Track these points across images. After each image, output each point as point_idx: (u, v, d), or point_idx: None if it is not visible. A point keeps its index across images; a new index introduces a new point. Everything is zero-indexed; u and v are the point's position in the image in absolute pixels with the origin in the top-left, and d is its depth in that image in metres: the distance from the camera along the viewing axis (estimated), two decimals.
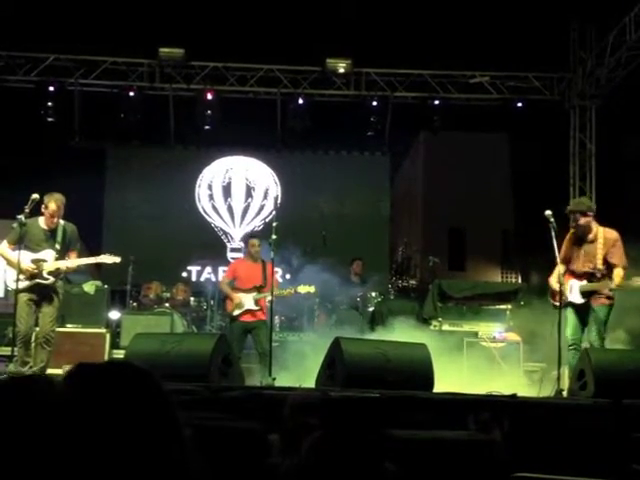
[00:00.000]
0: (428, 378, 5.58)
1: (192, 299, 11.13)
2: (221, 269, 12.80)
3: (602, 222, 6.86)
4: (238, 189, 14.06)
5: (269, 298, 7.57)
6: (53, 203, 6.71)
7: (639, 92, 10.55)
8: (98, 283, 9.60)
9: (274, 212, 10.47)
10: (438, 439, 3.86)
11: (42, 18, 10.50)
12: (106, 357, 8.53)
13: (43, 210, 6.77)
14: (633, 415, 4.55)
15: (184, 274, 12.91)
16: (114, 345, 9.10)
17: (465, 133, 13.89)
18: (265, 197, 14.02)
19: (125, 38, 11.11)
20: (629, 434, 4.14)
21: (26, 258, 6.69)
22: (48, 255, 6.76)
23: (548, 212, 6.50)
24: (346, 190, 13.92)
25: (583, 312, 6.59)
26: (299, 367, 6.72)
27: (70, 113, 12.04)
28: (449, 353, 7.03)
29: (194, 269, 13.35)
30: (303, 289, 8.12)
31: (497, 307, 8.70)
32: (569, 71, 12.02)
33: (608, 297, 6.50)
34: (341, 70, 11.85)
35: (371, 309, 10.33)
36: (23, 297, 6.67)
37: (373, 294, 10.69)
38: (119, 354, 8.58)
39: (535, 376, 7.69)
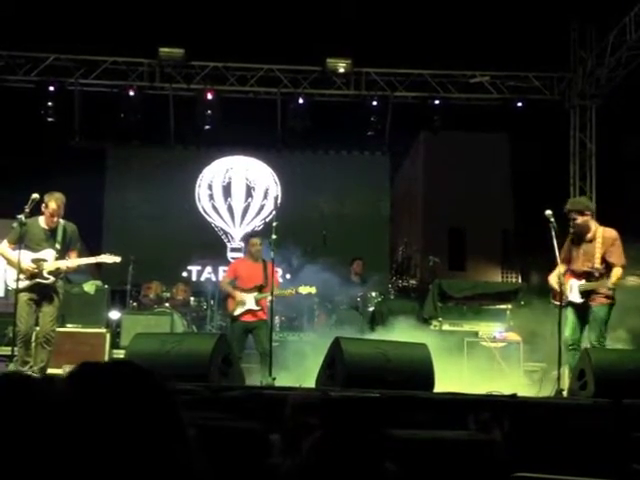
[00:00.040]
0: (428, 378, 5.58)
1: (192, 299, 11.13)
2: (221, 269, 12.80)
3: (602, 222, 6.85)
4: (238, 189, 14.06)
5: (270, 298, 7.57)
6: (53, 202, 6.72)
7: (639, 92, 10.55)
8: (98, 283, 9.60)
9: (274, 212, 10.47)
10: (438, 439, 3.86)
11: (42, 18, 10.50)
12: (106, 357, 8.52)
13: (43, 209, 6.77)
14: (633, 415, 4.55)
15: (184, 274, 12.92)
16: (114, 345, 9.10)
17: (465, 133, 13.88)
18: (265, 197, 14.02)
19: (125, 38, 11.11)
20: (629, 434, 4.14)
21: (26, 258, 6.69)
22: (48, 255, 6.77)
23: (548, 212, 6.50)
24: (346, 190, 13.92)
25: (583, 312, 6.58)
26: (299, 367, 6.72)
27: (70, 113, 12.05)
28: (449, 353, 7.03)
29: (194, 269, 13.36)
30: (304, 290, 8.12)
31: (497, 307, 8.70)
32: (569, 71, 12.02)
33: (607, 296, 6.48)
34: (341, 70, 11.85)
35: (371, 309, 10.32)
36: (23, 297, 6.68)
37: (373, 294, 10.69)
38: (119, 354, 8.59)
39: (535, 376, 7.69)
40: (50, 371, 6.95)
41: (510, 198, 13.98)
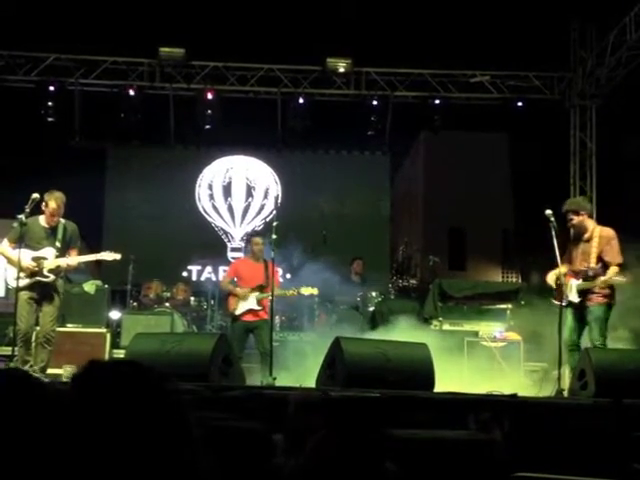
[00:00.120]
0: (429, 378, 5.58)
1: (192, 299, 11.13)
2: (221, 269, 12.80)
3: (602, 221, 6.86)
4: (238, 189, 14.07)
5: (271, 298, 7.56)
6: (53, 202, 6.72)
7: (639, 91, 10.55)
8: (98, 283, 9.60)
9: (274, 212, 10.48)
10: (438, 439, 3.86)
11: (42, 18, 10.49)
12: (106, 357, 8.52)
13: (43, 208, 6.78)
14: (634, 415, 4.55)
15: (184, 274, 12.92)
16: (114, 345, 9.10)
17: (465, 133, 13.88)
18: (265, 197, 14.03)
19: (125, 38, 11.10)
20: (630, 434, 4.14)
21: (27, 256, 6.69)
22: (49, 253, 6.77)
23: (548, 211, 6.50)
24: (346, 190, 13.93)
25: (582, 312, 6.58)
26: (299, 367, 6.72)
27: (70, 113, 12.04)
28: (449, 353, 7.03)
29: (194, 269, 13.36)
30: (306, 290, 8.12)
31: (498, 307, 8.70)
32: (569, 70, 12.02)
33: (604, 296, 6.48)
34: (341, 69, 11.84)
35: (371, 309, 10.32)
36: (24, 295, 6.68)
37: (373, 294, 10.68)
38: (119, 354, 8.59)
39: (536, 376, 7.69)
40: (50, 371, 6.95)
41: (510, 198, 13.98)
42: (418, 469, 3.21)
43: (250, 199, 14.03)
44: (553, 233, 6.42)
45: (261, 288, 8.00)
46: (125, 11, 10.42)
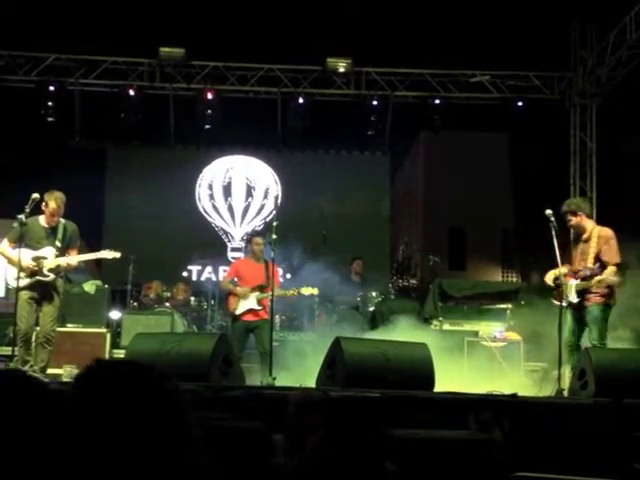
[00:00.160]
0: (429, 378, 5.58)
1: (192, 299, 11.14)
2: (222, 269, 12.81)
3: (602, 221, 6.86)
4: (238, 188, 14.07)
5: (271, 297, 7.56)
6: (53, 202, 6.72)
7: (639, 91, 10.55)
8: (98, 283, 9.60)
9: (274, 211, 10.48)
10: (439, 439, 3.86)
11: (42, 18, 10.49)
12: (107, 357, 8.52)
13: (43, 208, 6.78)
14: (634, 414, 4.55)
15: (184, 274, 12.93)
16: (115, 345, 9.10)
17: (465, 132, 13.89)
18: (265, 196, 14.03)
19: (125, 38, 11.11)
20: (630, 433, 4.14)
21: (27, 256, 6.70)
22: (48, 252, 6.77)
23: (548, 211, 6.51)
24: (346, 189, 13.93)
25: (581, 312, 6.59)
26: (299, 367, 6.72)
27: (70, 113, 12.04)
28: (450, 353, 7.02)
29: (194, 269, 13.36)
30: (306, 291, 8.12)
31: (498, 306, 8.69)
32: (570, 70, 12.02)
33: (602, 295, 6.48)
34: (341, 69, 11.84)
35: (371, 309, 10.32)
36: (24, 295, 6.68)
37: (373, 293, 10.68)
38: (119, 354, 8.58)
39: (536, 375, 7.69)
40: (50, 371, 6.95)
41: (510, 197, 13.98)
42: (418, 469, 3.21)
43: (250, 199, 14.03)
44: (553, 233, 6.42)
45: (261, 288, 7.99)
46: (125, 11, 10.42)
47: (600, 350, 6.22)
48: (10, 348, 6.95)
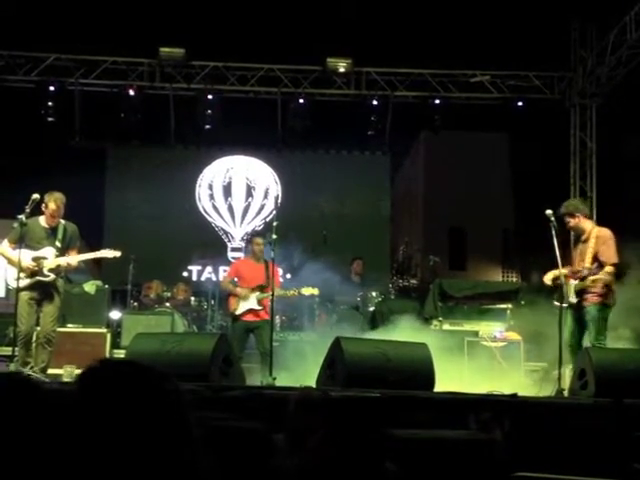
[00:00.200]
0: (429, 378, 5.57)
1: (193, 299, 11.14)
2: (222, 269, 12.81)
3: (602, 220, 6.87)
4: (238, 189, 14.07)
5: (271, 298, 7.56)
6: (53, 203, 6.73)
7: (639, 91, 10.55)
8: (99, 283, 9.60)
9: (274, 211, 10.48)
10: (439, 439, 3.86)
11: (42, 18, 10.49)
12: (107, 357, 8.52)
13: (43, 209, 6.78)
14: (634, 414, 4.55)
15: (185, 274, 12.93)
16: (115, 345, 9.10)
17: (466, 132, 13.88)
18: (265, 197, 14.03)
19: (125, 38, 11.10)
20: (630, 433, 4.14)
21: (27, 256, 6.70)
22: (49, 252, 6.78)
23: (549, 211, 6.51)
24: (346, 190, 13.93)
25: (581, 313, 6.61)
26: (299, 367, 6.71)
27: (70, 113, 12.04)
28: (450, 353, 7.02)
29: (195, 269, 13.36)
30: (307, 291, 8.12)
31: (498, 306, 8.70)
32: (570, 70, 12.01)
33: (599, 295, 6.50)
34: (341, 69, 11.84)
35: (372, 309, 10.32)
36: (24, 296, 6.68)
37: (374, 294, 10.68)
38: (120, 354, 8.58)
39: (536, 375, 7.69)
40: (51, 371, 6.95)
41: (510, 197, 13.97)
42: (418, 469, 3.21)
43: (250, 199, 14.04)
44: (553, 233, 6.42)
45: (262, 288, 7.99)
46: (125, 11, 10.42)
47: (600, 350, 6.22)
48: (10, 348, 6.95)
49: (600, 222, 6.86)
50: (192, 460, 1.33)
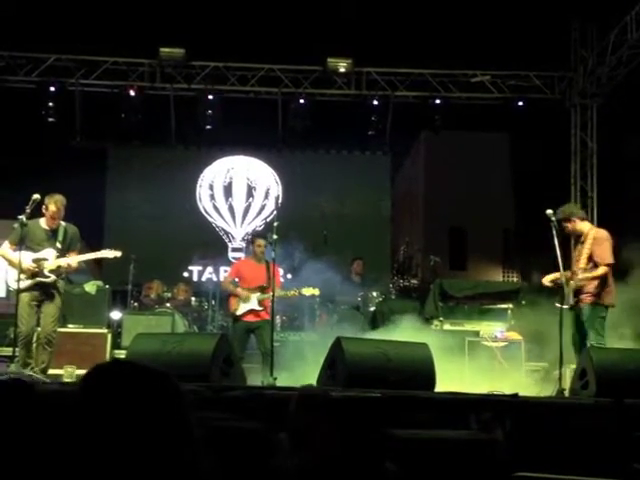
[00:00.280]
0: (430, 378, 5.57)
1: (193, 299, 11.14)
2: (222, 269, 12.82)
3: (603, 220, 6.88)
4: (239, 189, 14.07)
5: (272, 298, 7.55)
6: (53, 205, 6.73)
7: None
8: (99, 283, 9.60)
9: (275, 212, 10.48)
10: (440, 439, 3.86)
11: (43, 18, 10.50)
12: (107, 357, 8.52)
13: (44, 211, 6.78)
14: (635, 414, 4.55)
15: (185, 274, 12.92)
16: (115, 345, 9.10)
17: (466, 132, 13.88)
18: (266, 197, 14.03)
19: (125, 38, 11.11)
20: (631, 433, 4.14)
21: (27, 258, 6.70)
22: (49, 254, 6.78)
23: (549, 211, 6.53)
24: (347, 190, 13.93)
25: (578, 313, 6.64)
26: (300, 367, 6.71)
27: (71, 113, 12.05)
28: (450, 353, 7.02)
29: (195, 269, 13.36)
30: (307, 291, 8.12)
31: (499, 306, 8.69)
32: (570, 70, 12.02)
33: (593, 295, 6.56)
34: (342, 69, 11.84)
35: (372, 309, 10.32)
36: (25, 297, 6.68)
37: (374, 294, 10.68)
38: (120, 354, 8.58)
39: (537, 375, 7.69)
40: (51, 371, 6.95)
41: (511, 197, 13.97)
42: (419, 469, 3.21)
43: (251, 199, 14.04)
44: (554, 233, 6.43)
45: (262, 289, 7.99)
46: (125, 11, 10.42)
47: (601, 350, 6.22)
48: (11, 349, 6.95)
49: (601, 222, 6.88)
50: (193, 460, 1.33)
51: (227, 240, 13.92)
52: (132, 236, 12.75)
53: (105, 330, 8.99)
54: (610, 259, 6.60)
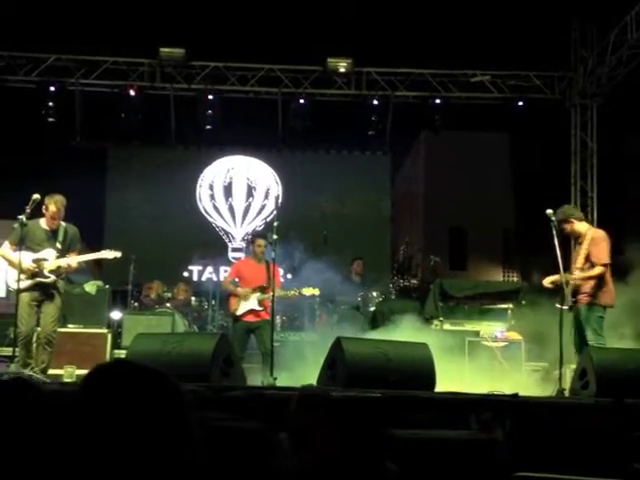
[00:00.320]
0: (430, 378, 5.57)
1: (193, 299, 11.14)
2: (222, 269, 12.82)
3: (603, 220, 6.89)
4: (239, 189, 14.07)
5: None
6: (53, 205, 6.73)
7: None
8: (99, 283, 9.60)
9: (275, 212, 10.48)
10: (440, 439, 3.86)
11: (43, 18, 10.49)
12: (108, 357, 8.52)
13: (44, 211, 6.78)
14: (635, 414, 4.55)
15: (185, 274, 12.92)
16: (115, 345, 9.10)
17: (466, 132, 13.88)
18: (266, 197, 14.03)
19: (126, 38, 11.11)
20: (631, 433, 4.13)
21: (27, 258, 6.70)
22: (49, 254, 6.78)
23: (549, 211, 6.54)
24: (347, 190, 13.93)
25: (577, 313, 6.66)
26: (300, 367, 6.71)
27: (71, 113, 12.05)
28: (451, 353, 7.02)
29: (195, 269, 13.36)
30: (307, 291, 8.12)
31: (499, 306, 8.69)
32: (570, 70, 12.01)
33: (589, 295, 6.59)
34: (342, 69, 11.84)
35: (372, 309, 10.32)
36: (25, 297, 6.68)
37: (374, 294, 10.68)
38: (121, 354, 8.58)
39: (537, 375, 7.69)
40: (51, 371, 6.95)
41: (511, 197, 13.97)
42: (419, 469, 3.21)
43: (251, 199, 14.04)
44: (554, 233, 6.44)
45: (262, 289, 7.99)
46: (125, 11, 10.42)
47: (601, 350, 6.23)
48: (11, 349, 6.95)
49: (601, 222, 6.90)
50: (193, 460, 1.33)
51: (227, 240, 13.92)
52: (132, 236, 12.76)
53: (105, 330, 8.99)
54: (606, 259, 6.62)
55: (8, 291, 8.43)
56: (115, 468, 1.25)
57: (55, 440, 1.28)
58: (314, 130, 12.18)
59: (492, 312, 8.65)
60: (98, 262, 8.81)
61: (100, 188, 13.60)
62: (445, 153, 14.19)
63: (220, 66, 12.08)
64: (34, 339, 6.84)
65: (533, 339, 7.99)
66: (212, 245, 13.27)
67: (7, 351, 7.61)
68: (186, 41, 11.47)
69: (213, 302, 10.70)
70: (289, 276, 10.78)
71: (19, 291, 6.61)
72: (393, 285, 11.93)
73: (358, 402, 4.68)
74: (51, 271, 6.74)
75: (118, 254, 7.14)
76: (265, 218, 13.79)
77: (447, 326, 8.50)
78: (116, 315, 9.98)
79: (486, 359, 7.66)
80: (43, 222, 6.84)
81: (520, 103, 11.92)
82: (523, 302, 8.49)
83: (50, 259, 6.76)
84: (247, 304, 8.04)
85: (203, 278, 13.17)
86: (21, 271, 6.58)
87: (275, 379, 6.33)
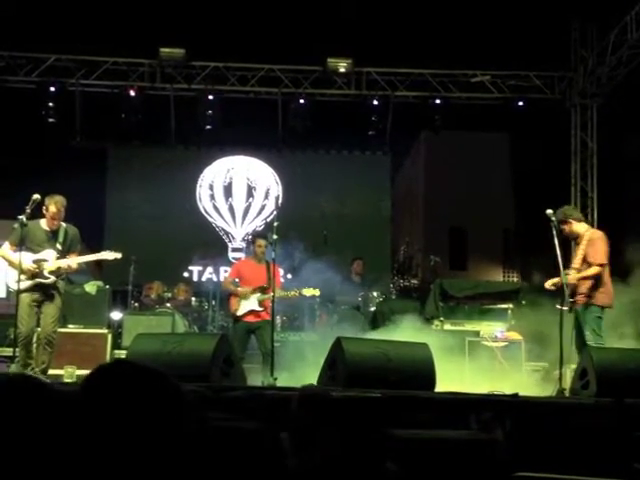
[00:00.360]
0: (430, 378, 5.57)
1: (193, 299, 11.14)
2: (222, 269, 12.83)
3: (603, 220, 6.91)
4: (239, 189, 14.08)
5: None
6: (53, 206, 6.72)
7: None
8: (100, 283, 9.61)
9: (275, 212, 10.48)
10: (440, 439, 3.86)
11: (43, 18, 10.50)
12: (108, 357, 8.52)
13: (44, 212, 6.78)
14: (635, 414, 4.55)
15: (185, 274, 12.93)
16: (116, 345, 9.10)
17: (466, 132, 13.88)
18: (266, 197, 14.03)
19: (126, 38, 11.11)
20: (631, 433, 4.13)
21: (27, 259, 6.70)
22: (49, 255, 6.77)
23: (549, 211, 6.54)
24: (347, 190, 13.93)
25: (576, 314, 6.67)
26: (300, 367, 6.71)
27: (71, 113, 12.05)
28: (451, 353, 7.02)
29: (195, 269, 13.37)
30: (308, 292, 8.11)
31: (499, 306, 8.69)
32: (570, 70, 12.02)
33: (586, 295, 6.61)
34: (342, 70, 11.84)
35: (373, 309, 10.32)
36: (25, 298, 6.68)
37: (375, 294, 10.68)
38: (121, 354, 8.58)
39: (537, 375, 7.69)
40: (52, 372, 6.95)
41: (511, 197, 13.98)
42: (419, 469, 3.21)
43: (251, 199, 14.04)
44: (554, 233, 6.45)
45: (263, 289, 7.99)
46: (125, 11, 10.42)
47: (601, 350, 6.23)
48: (11, 349, 6.95)
49: (601, 222, 6.91)
50: (192, 459, 1.33)
51: (227, 240, 13.92)
52: (132, 236, 12.77)
53: (105, 330, 8.99)
54: (603, 259, 6.63)
55: (8, 292, 8.43)
56: (116, 467, 1.25)
57: (59, 439, 1.29)
58: (314, 130, 12.18)
59: (492, 312, 8.65)
60: (98, 262, 8.81)
61: (100, 188, 13.61)
62: (445, 153, 14.20)
63: (220, 66, 12.08)
64: (34, 340, 6.83)
65: (533, 339, 8.00)
66: (212, 245, 13.28)
67: (7, 351, 7.61)
68: (186, 41, 11.48)
69: (213, 302, 10.71)
70: (289, 276, 10.78)
71: (19, 292, 6.60)
72: (393, 285, 11.94)
73: (358, 402, 4.68)
74: (51, 272, 6.74)
75: (118, 255, 7.14)
76: (265, 218, 13.79)
77: (447, 326, 8.50)
78: (116, 315, 9.98)
79: (486, 359, 7.67)
80: (43, 223, 6.84)
81: (520, 103, 11.92)
82: (523, 302, 8.49)
83: (50, 260, 6.76)
84: (247, 304, 8.03)
85: (203, 278, 13.18)
86: (21, 272, 6.58)
87: (275, 379, 6.33)
